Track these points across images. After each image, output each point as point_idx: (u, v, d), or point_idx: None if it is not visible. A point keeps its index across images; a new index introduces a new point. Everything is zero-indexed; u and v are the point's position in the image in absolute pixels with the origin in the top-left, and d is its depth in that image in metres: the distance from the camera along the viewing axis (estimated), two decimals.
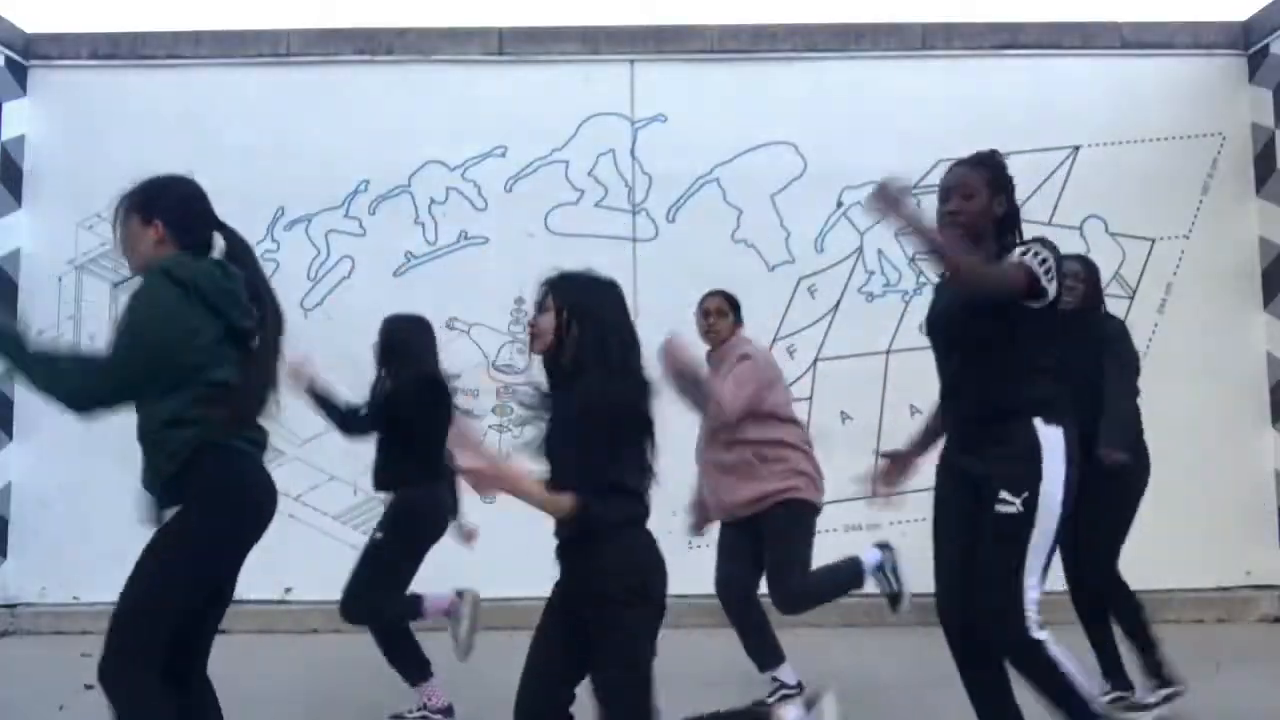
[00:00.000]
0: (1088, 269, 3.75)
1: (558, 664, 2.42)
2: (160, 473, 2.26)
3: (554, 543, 2.49)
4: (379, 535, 3.90)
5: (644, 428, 2.41)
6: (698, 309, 3.96)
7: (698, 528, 4.02)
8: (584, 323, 2.40)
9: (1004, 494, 2.51)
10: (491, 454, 2.50)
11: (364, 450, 5.42)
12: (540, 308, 2.46)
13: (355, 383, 5.39)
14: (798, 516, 3.80)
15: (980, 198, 2.60)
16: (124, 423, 2.37)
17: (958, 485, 2.68)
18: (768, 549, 3.78)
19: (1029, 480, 2.51)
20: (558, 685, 2.43)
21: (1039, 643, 2.52)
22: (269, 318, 2.51)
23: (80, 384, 2.24)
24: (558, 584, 2.49)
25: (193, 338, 2.28)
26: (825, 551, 5.07)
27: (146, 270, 2.36)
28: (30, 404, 5.69)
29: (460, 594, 3.87)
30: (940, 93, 5.83)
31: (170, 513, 2.27)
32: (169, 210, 2.44)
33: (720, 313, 3.88)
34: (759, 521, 3.76)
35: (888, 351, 5.68)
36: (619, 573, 2.34)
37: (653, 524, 2.47)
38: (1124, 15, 6.02)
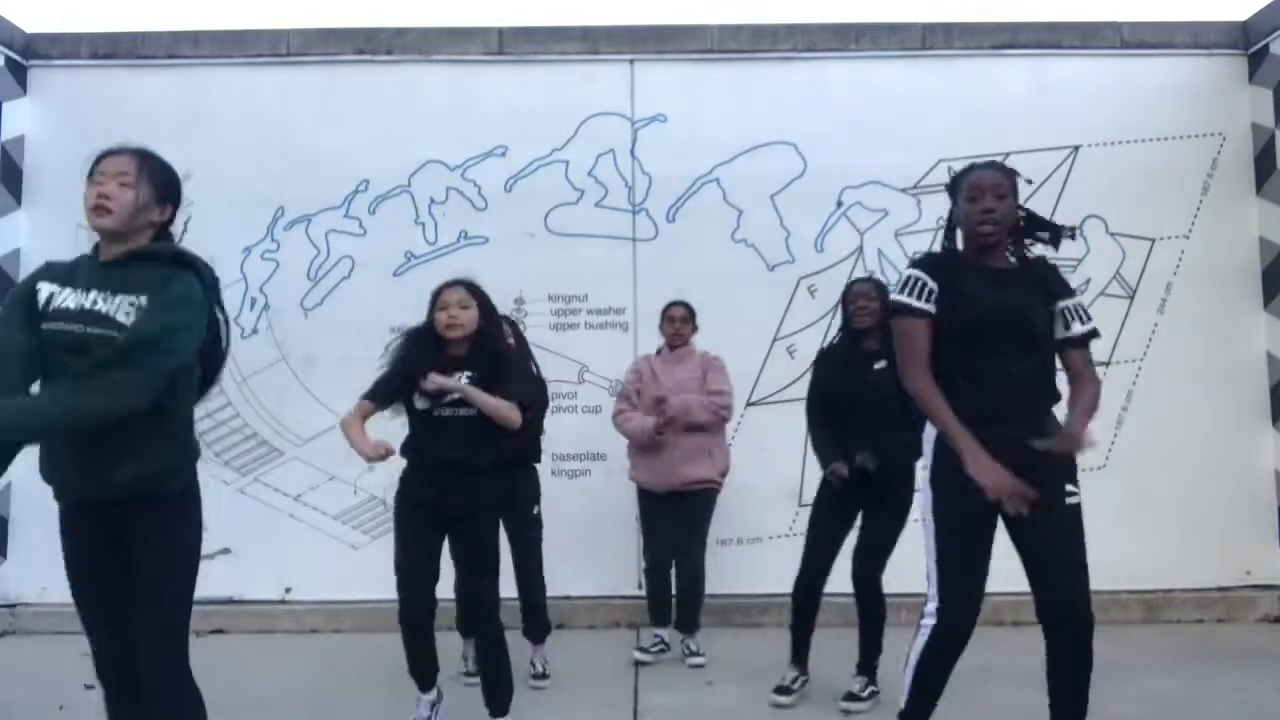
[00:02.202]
0: (878, 289, 3.99)
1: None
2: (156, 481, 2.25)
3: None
4: (537, 510, 4.32)
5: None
6: (663, 316, 4.75)
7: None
8: (495, 321, 3.46)
9: (1070, 486, 2.73)
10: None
11: None
12: (460, 305, 3.32)
13: (354, 382, 5.39)
14: (713, 503, 4.65)
15: (1009, 200, 2.81)
16: None
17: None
18: (692, 521, 4.58)
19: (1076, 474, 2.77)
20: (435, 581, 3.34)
21: None
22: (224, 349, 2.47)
23: (141, 386, 2.15)
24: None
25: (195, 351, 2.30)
26: None
27: (152, 254, 2.30)
28: None
29: None
30: (940, 93, 5.82)
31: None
32: (177, 206, 2.40)
33: (684, 319, 4.72)
34: (686, 497, 4.54)
35: None
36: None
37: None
38: (1124, 15, 6.01)
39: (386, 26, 5.96)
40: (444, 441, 3.24)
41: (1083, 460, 2.78)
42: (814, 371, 4.18)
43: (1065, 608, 2.70)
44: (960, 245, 2.92)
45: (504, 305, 5.70)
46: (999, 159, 3.26)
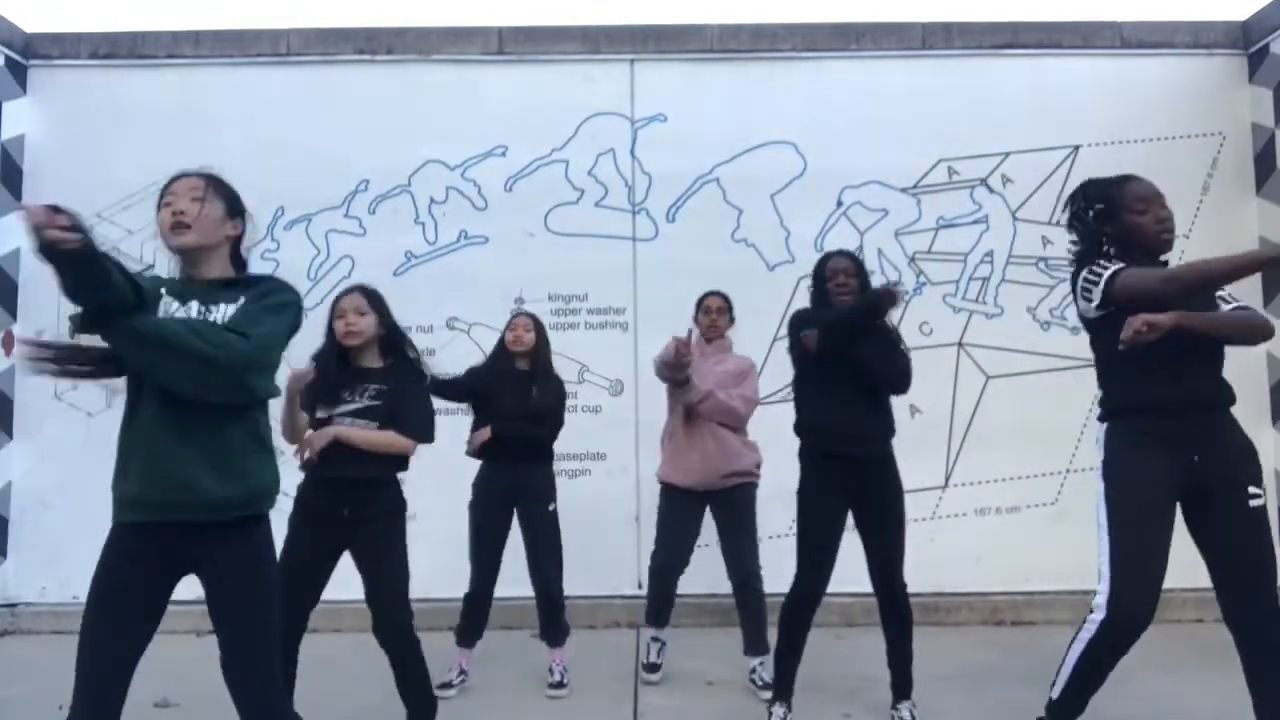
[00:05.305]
0: (858, 267, 3.73)
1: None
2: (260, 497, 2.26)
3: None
4: (553, 508, 4.20)
5: None
6: (699, 306, 4.45)
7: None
8: (393, 326, 3.31)
9: (1253, 489, 2.74)
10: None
11: None
12: (356, 311, 3.23)
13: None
14: (755, 500, 4.34)
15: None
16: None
17: (1173, 477, 2.77)
18: (737, 523, 4.24)
19: (1261, 473, 2.79)
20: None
21: None
22: None
23: (242, 351, 2.11)
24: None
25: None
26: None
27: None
28: (30, 404, 5.68)
29: None
30: (940, 93, 5.83)
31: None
32: (244, 222, 2.45)
33: (721, 310, 4.45)
34: (719, 495, 4.25)
35: None
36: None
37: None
38: (1124, 15, 6.01)
39: (386, 26, 5.97)
40: (339, 454, 3.19)
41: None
42: (798, 335, 3.65)
43: (1254, 615, 2.67)
44: (1113, 257, 2.86)
45: (504, 304, 5.73)
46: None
